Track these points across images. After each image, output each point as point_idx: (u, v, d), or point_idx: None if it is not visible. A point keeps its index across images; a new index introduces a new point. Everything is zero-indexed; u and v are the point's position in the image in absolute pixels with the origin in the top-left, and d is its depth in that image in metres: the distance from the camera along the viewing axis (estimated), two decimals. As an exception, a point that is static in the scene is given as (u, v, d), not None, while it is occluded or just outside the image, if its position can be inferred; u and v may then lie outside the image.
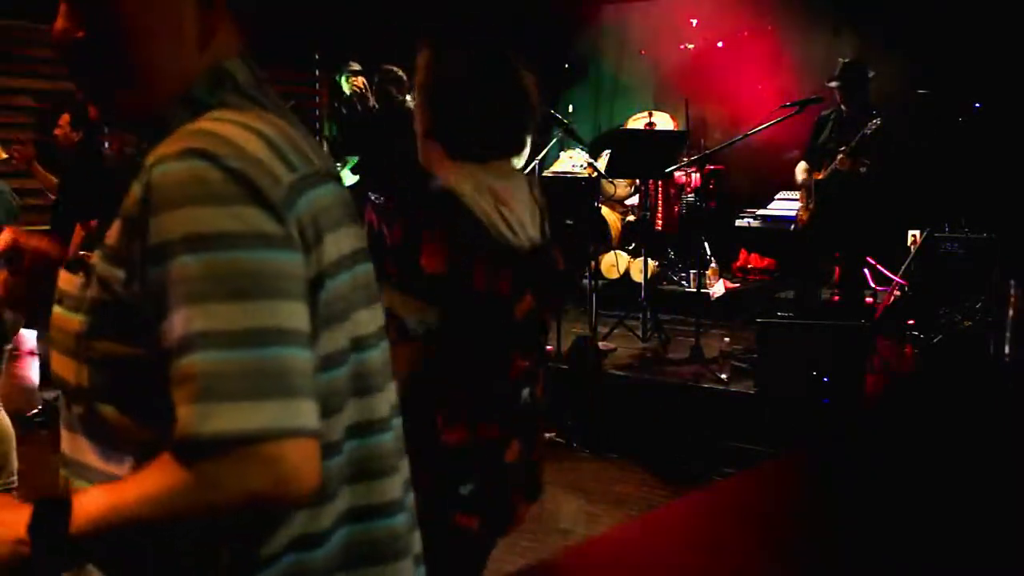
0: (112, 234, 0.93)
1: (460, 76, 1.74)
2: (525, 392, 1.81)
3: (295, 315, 0.89)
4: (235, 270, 0.86)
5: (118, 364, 0.92)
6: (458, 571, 1.83)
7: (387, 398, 1.07)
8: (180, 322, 0.85)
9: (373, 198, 6.16)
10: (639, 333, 6.03)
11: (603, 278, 6.96)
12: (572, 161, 7.57)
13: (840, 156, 5.52)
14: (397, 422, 1.10)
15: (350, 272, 1.00)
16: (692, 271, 7.00)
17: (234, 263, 0.86)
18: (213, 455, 0.83)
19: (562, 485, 4.50)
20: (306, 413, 0.87)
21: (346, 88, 7.03)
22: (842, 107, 5.69)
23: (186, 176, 0.87)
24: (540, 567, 3.50)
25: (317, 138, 8.08)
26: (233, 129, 0.92)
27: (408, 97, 6.14)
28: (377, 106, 6.37)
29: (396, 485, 1.06)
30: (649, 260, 6.25)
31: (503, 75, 1.76)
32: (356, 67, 6.94)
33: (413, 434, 1.63)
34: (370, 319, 1.04)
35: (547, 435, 5.04)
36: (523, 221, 1.74)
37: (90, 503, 0.89)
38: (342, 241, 0.99)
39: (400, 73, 6.26)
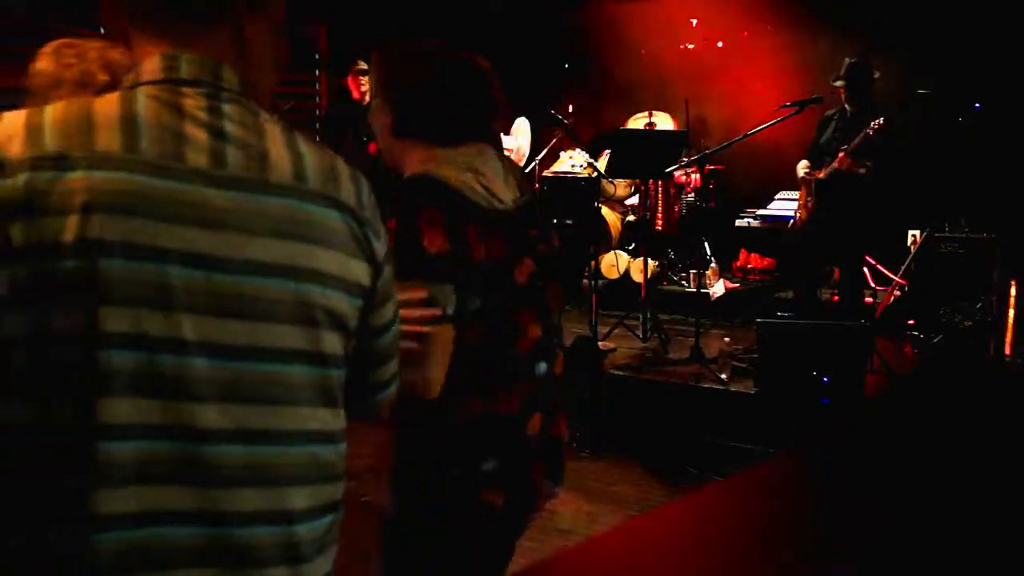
0: None
1: (425, 69, 1.80)
2: (542, 366, 1.83)
3: None
4: None
5: None
6: (485, 553, 1.85)
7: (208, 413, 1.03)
8: None
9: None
10: (639, 333, 6.04)
11: (603, 278, 6.96)
12: (572, 161, 7.57)
13: (840, 155, 5.52)
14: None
15: (93, 260, 0.98)
16: (692, 271, 7.00)
17: None
18: None
19: (562, 485, 4.50)
20: None
21: (355, 91, 7.03)
22: (846, 106, 5.69)
23: None
24: (540, 567, 3.50)
25: (316, 138, 8.09)
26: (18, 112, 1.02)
27: None
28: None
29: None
30: (649, 260, 6.25)
31: (461, 64, 1.82)
32: (363, 67, 6.97)
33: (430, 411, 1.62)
34: (107, 319, 0.99)
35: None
36: (502, 187, 1.79)
37: None
38: (87, 226, 0.98)
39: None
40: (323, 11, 8.37)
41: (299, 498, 1.08)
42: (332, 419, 1.13)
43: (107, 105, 1.03)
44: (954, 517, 3.32)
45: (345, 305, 1.12)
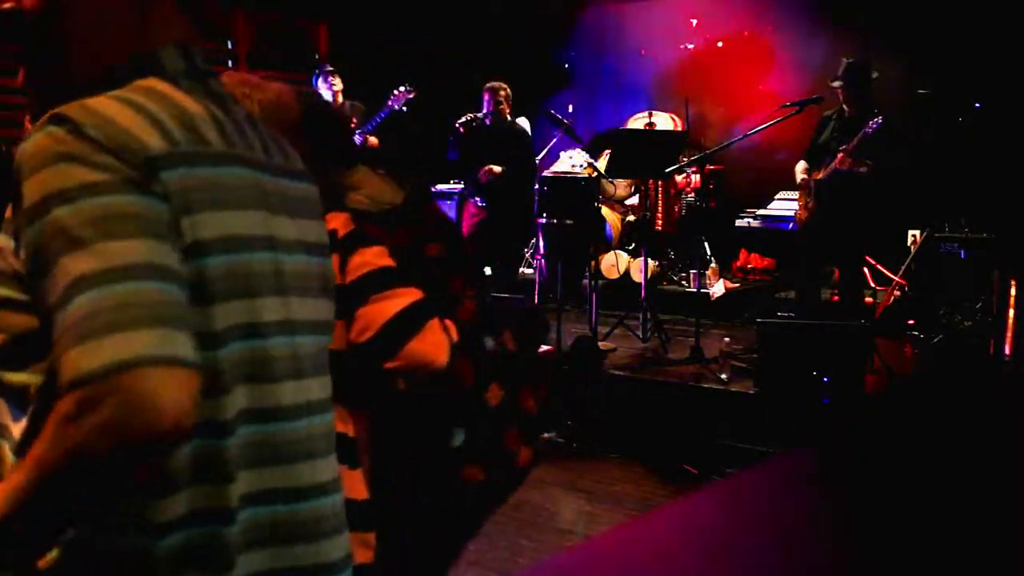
0: (8, 213, 0.96)
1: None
2: (489, 341, 1.90)
3: (163, 253, 0.90)
4: (104, 214, 0.88)
5: (17, 333, 0.95)
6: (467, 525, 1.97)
7: (298, 389, 1.07)
8: (59, 274, 0.87)
9: (478, 202, 6.60)
10: (639, 333, 6.03)
11: (603, 278, 6.96)
12: (572, 161, 7.57)
13: (840, 156, 5.52)
14: (319, 416, 1.11)
15: (247, 255, 1.00)
16: (692, 271, 7.00)
17: (101, 207, 0.88)
18: (89, 385, 0.83)
19: (562, 485, 4.50)
20: (181, 343, 0.88)
21: (326, 92, 7.04)
22: (844, 107, 5.68)
23: (44, 140, 0.90)
24: (540, 567, 3.50)
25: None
26: (108, 102, 0.94)
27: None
28: (490, 121, 6.51)
29: (318, 470, 1.09)
30: (649, 260, 6.24)
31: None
32: (331, 68, 7.02)
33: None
34: (277, 308, 1.05)
35: (547, 435, 5.05)
36: (383, 192, 1.94)
37: None
38: (235, 221, 0.99)
39: (507, 89, 6.49)
40: (323, 11, 8.37)
41: (335, 467, 1.15)
42: (330, 386, 1.19)
43: (183, 97, 1.00)
44: (954, 517, 3.32)
45: (328, 269, 1.19)
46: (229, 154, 1.01)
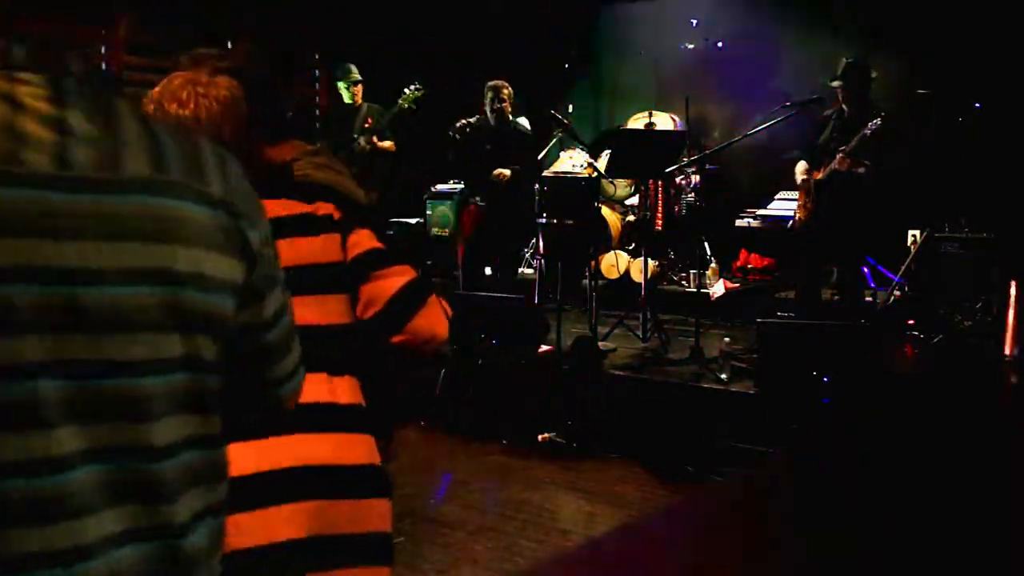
0: None
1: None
2: None
3: None
4: None
5: None
6: None
7: (61, 438, 0.93)
8: None
9: (477, 201, 6.59)
10: (639, 333, 6.03)
11: (603, 278, 6.96)
12: (572, 161, 7.57)
13: (839, 156, 5.52)
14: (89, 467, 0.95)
15: None
16: (692, 271, 7.00)
17: None
18: None
19: (562, 485, 4.51)
20: None
21: (347, 96, 7.06)
22: (843, 107, 5.68)
23: None
24: (540, 567, 3.50)
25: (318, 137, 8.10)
26: None
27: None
28: (492, 121, 6.48)
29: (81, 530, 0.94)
30: (649, 260, 6.25)
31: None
32: (356, 75, 7.06)
33: None
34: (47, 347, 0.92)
35: (547, 435, 5.05)
36: None
37: None
38: None
39: (509, 88, 6.41)
40: (323, 10, 8.37)
41: (169, 514, 0.99)
42: (211, 424, 1.05)
43: None
44: (954, 517, 3.32)
45: (216, 305, 1.02)
46: None
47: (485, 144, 6.47)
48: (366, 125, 6.94)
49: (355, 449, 1.72)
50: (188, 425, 1.02)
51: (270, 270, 1.12)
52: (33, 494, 0.90)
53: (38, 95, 0.93)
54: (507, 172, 6.42)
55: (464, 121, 6.49)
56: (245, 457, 1.59)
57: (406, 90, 6.77)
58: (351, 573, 1.67)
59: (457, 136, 6.45)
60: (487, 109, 6.50)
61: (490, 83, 6.51)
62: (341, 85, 7.12)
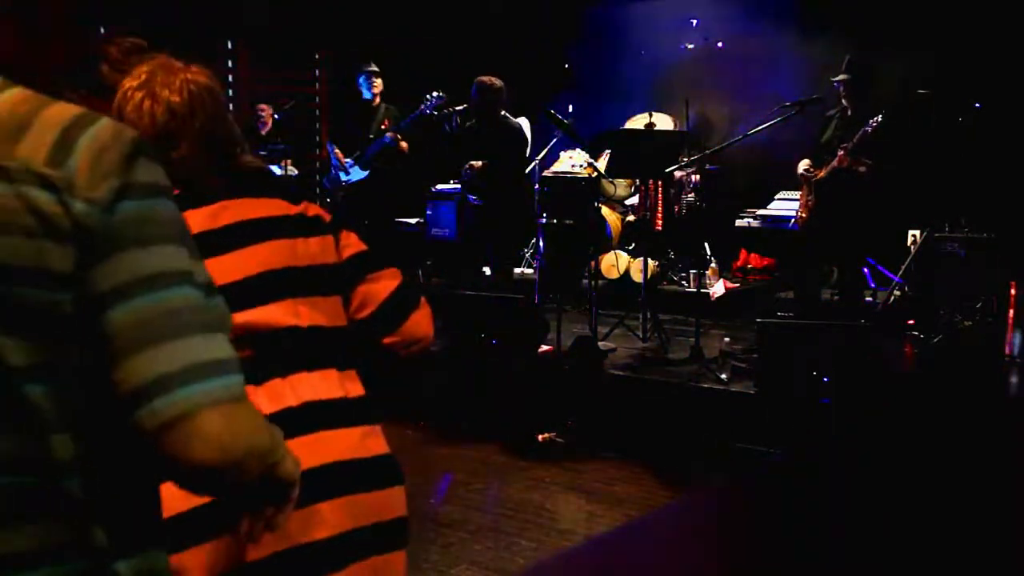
0: None
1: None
2: None
3: None
4: None
5: None
6: None
7: None
8: None
9: (472, 201, 6.52)
10: (639, 333, 6.03)
11: (603, 278, 6.96)
12: (572, 161, 7.57)
13: (840, 153, 5.52)
14: None
15: None
16: (692, 271, 7.00)
17: None
18: None
19: (562, 485, 4.50)
20: None
21: (366, 92, 7.03)
22: (843, 102, 5.69)
23: None
24: (540, 567, 3.50)
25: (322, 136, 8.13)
26: None
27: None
28: (477, 119, 6.42)
29: None
30: (649, 260, 6.24)
31: None
32: (374, 69, 7.03)
33: None
34: None
35: (547, 435, 5.05)
36: None
37: None
38: None
39: (500, 85, 6.34)
40: (323, 10, 8.37)
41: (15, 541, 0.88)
42: (24, 447, 0.89)
43: None
44: (955, 518, 3.32)
45: (31, 299, 0.88)
46: None
47: (472, 142, 6.42)
48: (383, 127, 6.92)
49: (374, 440, 1.75)
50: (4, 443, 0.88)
51: (112, 239, 0.91)
52: None
53: None
54: (477, 163, 6.39)
55: (450, 110, 6.46)
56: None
57: (428, 96, 6.76)
58: (381, 560, 1.72)
59: (448, 127, 6.42)
60: (474, 107, 6.45)
61: (477, 79, 6.44)
62: (361, 81, 7.06)
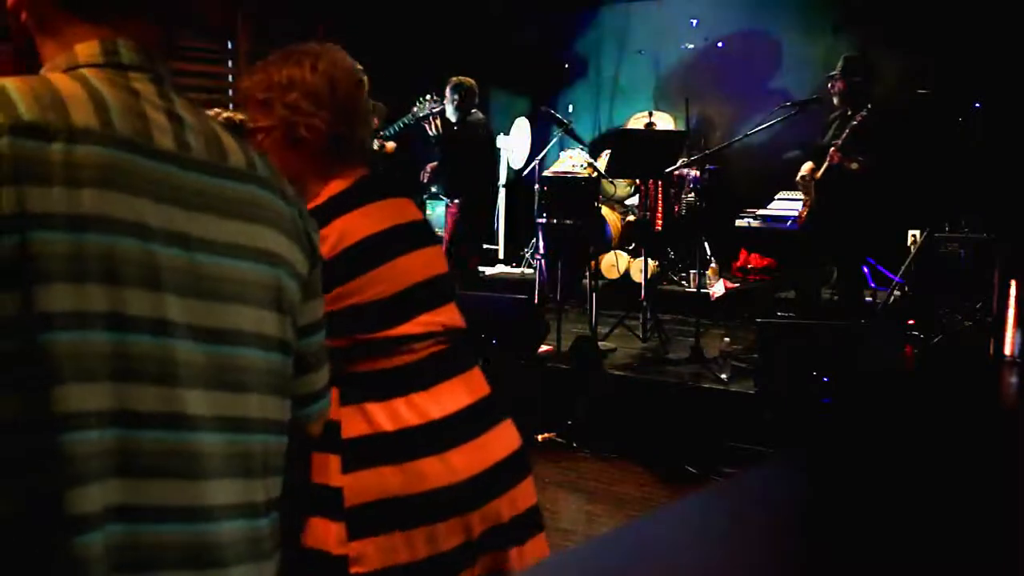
0: None
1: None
2: None
3: None
4: None
5: None
6: None
7: (198, 399, 1.00)
8: None
9: (454, 201, 6.52)
10: (639, 333, 6.03)
11: (603, 278, 6.95)
12: (572, 161, 7.57)
13: (831, 150, 5.51)
14: (235, 433, 1.04)
15: (79, 234, 0.93)
16: (692, 271, 6.99)
17: None
18: None
19: (562, 485, 4.50)
20: None
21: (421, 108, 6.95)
22: (834, 99, 5.69)
23: None
24: (540, 567, 3.49)
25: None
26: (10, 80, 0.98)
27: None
28: (455, 120, 6.38)
29: (210, 491, 1.01)
30: (649, 260, 6.24)
31: None
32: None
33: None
34: (153, 304, 0.97)
35: (547, 435, 5.05)
36: None
37: None
38: (72, 200, 0.94)
39: (465, 82, 6.31)
40: (323, 10, 8.36)
41: (260, 491, 1.06)
42: (285, 410, 1.12)
43: (67, 83, 0.99)
44: (954, 518, 3.32)
45: (295, 293, 1.12)
46: (104, 134, 0.97)
47: (443, 142, 6.39)
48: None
49: (515, 431, 1.84)
50: (277, 409, 1.10)
51: (319, 279, 1.20)
52: (168, 448, 0.97)
53: (148, 88, 1.04)
54: (429, 166, 6.36)
55: (430, 111, 6.42)
56: (470, 461, 1.70)
57: (421, 100, 6.72)
58: (536, 540, 1.82)
59: (429, 129, 6.37)
60: (448, 107, 6.42)
61: (458, 80, 6.41)
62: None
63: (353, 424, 1.64)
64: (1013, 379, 5.38)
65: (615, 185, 7.66)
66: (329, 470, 1.63)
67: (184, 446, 0.98)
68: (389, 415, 1.64)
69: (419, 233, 1.79)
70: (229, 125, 2.54)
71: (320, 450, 1.64)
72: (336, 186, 1.73)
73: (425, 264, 1.76)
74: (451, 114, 6.36)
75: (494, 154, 6.84)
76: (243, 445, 1.04)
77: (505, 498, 1.73)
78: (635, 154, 6.05)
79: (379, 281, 1.67)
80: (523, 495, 1.78)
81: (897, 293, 6.15)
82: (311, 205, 1.67)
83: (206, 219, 1.03)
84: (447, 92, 6.35)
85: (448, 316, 1.79)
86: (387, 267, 1.69)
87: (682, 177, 7.47)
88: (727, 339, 5.56)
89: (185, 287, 1.00)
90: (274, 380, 1.08)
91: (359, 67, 1.81)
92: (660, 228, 7.38)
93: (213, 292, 1.02)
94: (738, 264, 7.70)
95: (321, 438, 1.60)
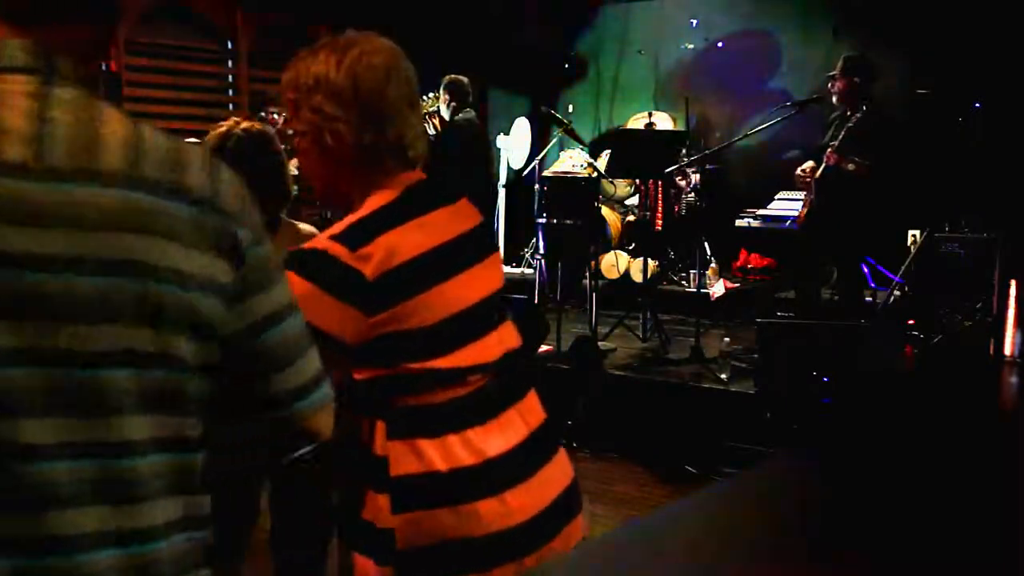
0: None
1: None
2: None
3: None
4: None
5: None
6: None
7: (48, 428, 0.95)
8: None
9: None
10: (639, 333, 6.03)
11: (603, 278, 6.96)
12: (572, 161, 7.57)
13: (828, 151, 5.51)
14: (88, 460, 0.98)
15: None
16: (692, 271, 7.00)
17: None
18: None
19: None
20: None
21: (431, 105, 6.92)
22: (834, 99, 5.69)
23: None
24: (540, 567, 3.49)
25: None
26: None
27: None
28: (448, 119, 6.36)
29: (72, 520, 0.97)
30: (649, 260, 6.24)
31: None
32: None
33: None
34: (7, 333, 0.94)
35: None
36: None
37: None
38: None
39: (455, 81, 6.28)
40: (323, 10, 8.36)
41: (145, 515, 1.00)
42: (187, 426, 1.04)
43: None
44: (954, 518, 3.32)
45: (198, 303, 1.01)
46: None
47: (433, 142, 6.38)
48: None
49: (567, 462, 1.78)
50: (171, 426, 1.02)
51: (263, 270, 1.09)
52: (15, 481, 0.93)
53: (25, 92, 0.97)
54: None
55: (431, 110, 6.42)
56: (526, 502, 1.60)
57: (422, 99, 6.68)
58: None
59: (430, 129, 6.37)
60: (441, 106, 6.42)
61: (455, 78, 6.40)
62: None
63: (403, 461, 1.51)
64: (1013, 379, 5.37)
65: (615, 185, 7.66)
66: (379, 509, 1.52)
67: (28, 477, 0.93)
68: (443, 454, 1.51)
69: (471, 247, 1.62)
70: (250, 133, 2.46)
71: (367, 485, 1.53)
72: (380, 198, 1.56)
73: (476, 285, 1.60)
74: (444, 113, 6.37)
75: (486, 153, 6.79)
76: (113, 470, 0.97)
77: (559, 538, 1.65)
78: (635, 154, 6.05)
79: (425, 307, 1.50)
80: (576, 531, 1.70)
81: (897, 293, 6.15)
82: (354, 218, 1.53)
83: (51, 235, 0.94)
84: (440, 91, 6.36)
85: (501, 338, 1.64)
86: (434, 292, 1.52)
87: (682, 177, 7.47)
88: (727, 339, 5.56)
89: (15, 310, 0.93)
90: (158, 398, 1.00)
91: (397, 56, 1.65)
92: (660, 228, 7.39)
93: (55, 312, 0.94)
94: (738, 264, 7.70)
95: (368, 473, 1.52)
